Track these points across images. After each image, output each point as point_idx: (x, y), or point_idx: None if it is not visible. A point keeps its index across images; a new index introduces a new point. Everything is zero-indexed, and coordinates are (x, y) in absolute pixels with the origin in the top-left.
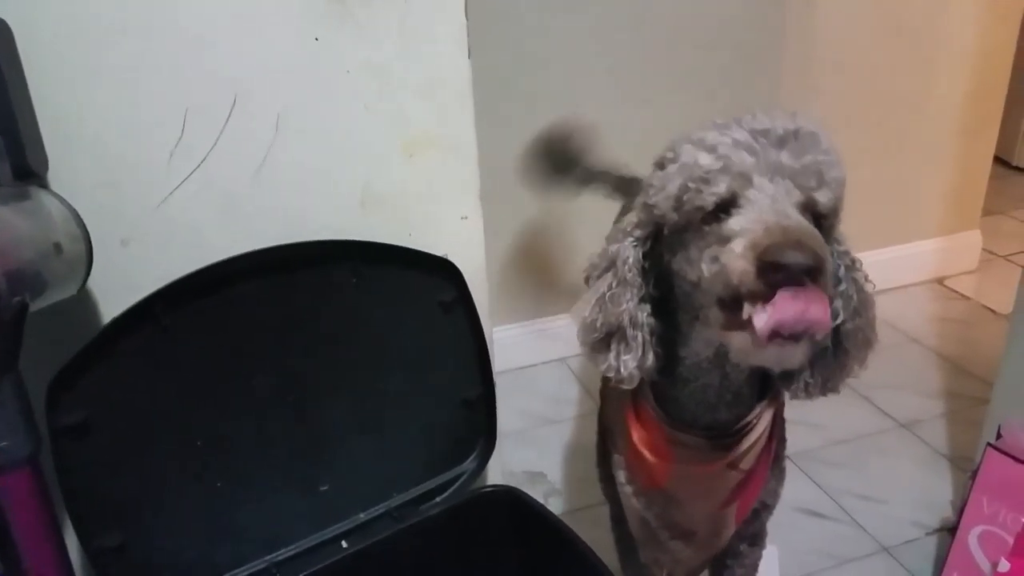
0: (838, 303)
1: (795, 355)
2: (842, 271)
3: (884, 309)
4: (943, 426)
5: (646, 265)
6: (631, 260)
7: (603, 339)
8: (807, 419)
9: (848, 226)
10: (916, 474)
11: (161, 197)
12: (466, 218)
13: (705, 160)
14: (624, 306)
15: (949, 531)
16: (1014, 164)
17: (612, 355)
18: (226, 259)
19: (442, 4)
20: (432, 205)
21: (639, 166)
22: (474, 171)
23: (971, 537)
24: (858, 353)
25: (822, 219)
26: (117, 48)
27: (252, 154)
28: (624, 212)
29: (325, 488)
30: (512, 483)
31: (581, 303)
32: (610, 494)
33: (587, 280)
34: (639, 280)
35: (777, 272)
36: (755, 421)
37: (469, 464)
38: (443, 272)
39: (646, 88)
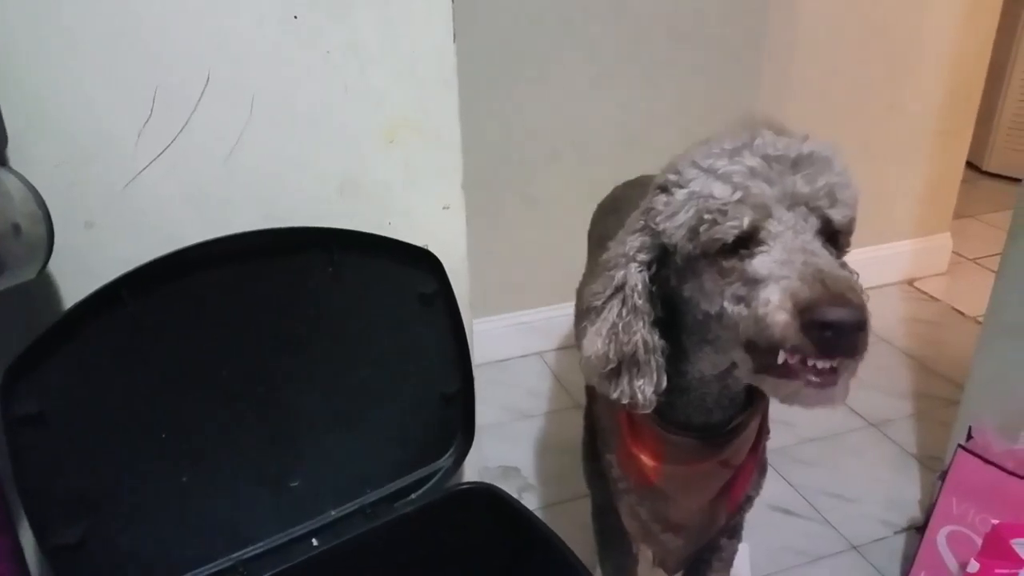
0: None
1: (837, 395)
2: None
3: None
4: (912, 426)
5: (652, 289)
6: (639, 286)
7: (617, 367)
8: (779, 417)
9: None
10: (885, 473)
11: (128, 178)
12: (448, 208)
13: (720, 191)
14: (638, 335)
15: (917, 530)
16: (984, 169)
17: (625, 381)
18: (197, 244)
19: None
20: (413, 193)
21: (615, 157)
22: (457, 159)
23: (940, 537)
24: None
25: (837, 236)
26: (84, 20)
27: (225, 136)
28: (600, 216)
29: (295, 484)
30: (486, 477)
31: (591, 335)
32: (597, 486)
33: (589, 310)
34: (648, 306)
35: (824, 330)
36: (747, 420)
37: (445, 461)
38: (424, 263)
39: (623, 79)
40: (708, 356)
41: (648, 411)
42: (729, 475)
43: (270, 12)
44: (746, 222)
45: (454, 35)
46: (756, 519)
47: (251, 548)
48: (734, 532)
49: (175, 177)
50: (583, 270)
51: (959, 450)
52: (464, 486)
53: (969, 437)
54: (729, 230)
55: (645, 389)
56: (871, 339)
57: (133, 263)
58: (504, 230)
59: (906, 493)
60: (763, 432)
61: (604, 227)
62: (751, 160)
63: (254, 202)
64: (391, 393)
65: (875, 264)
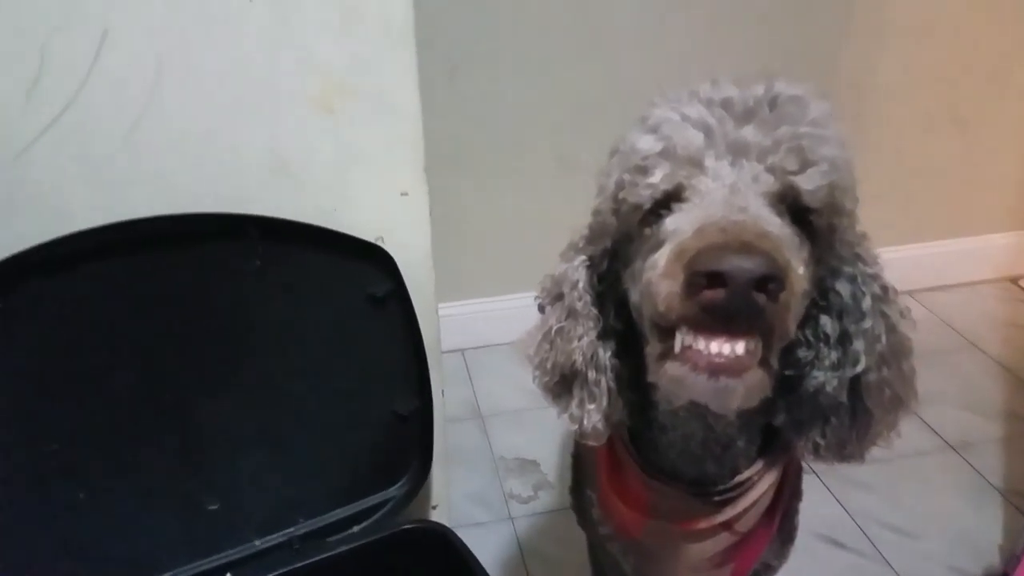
0: (859, 345)
1: (734, 390)
2: (867, 301)
3: (943, 307)
4: (998, 452)
5: (602, 290)
6: (581, 285)
7: (560, 382)
8: None
9: (908, 211)
10: (960, 507)
11: (18, 149)
12: (407, 195)
13: (645, 144)
14: (575, 343)
15: None
16: None
17: (575, 403)
18: (90, 229)
19: None
20: (362, 175)
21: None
22: (416, 134)
23: None
24: (884, 416)
25: (812, 217)
26: None
27: (128, 103)
28: None
29: (214, 507)
30: (502, 468)
31: (526, 337)
32: (583, 524)
33: (541, 309)
34: (593, 311)
35: (713, 286)
36: (756, 478)
37: (396, 491)
38: (375, 260)
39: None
40: None
41: (598, 443)
42: (734, 541)
43: None
44: (659, 175)
45: None
46: (798, 547)
47: None
48: None
49: (71, 149)
50: None
51: None
52: (413, 525)
53: None
54: (643, 190)
55: (592, 415)
56: (959, 344)
57: (21, 247)
58: (533, 199)
59: (983, 533)
60: (785, 494)
61: None
62: (691, 107)
63: (164, 182)
64: (333, 409)
65: (971, 257)
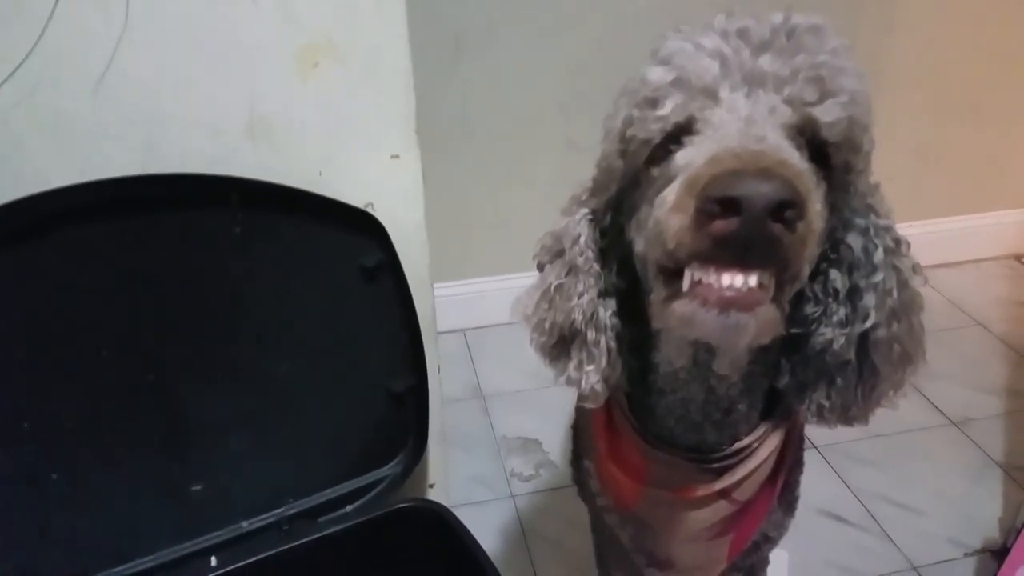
0: (869, 300)
1: (746, 324)
2: (879, 254)
3: (948, 285)
4: (1000, 428)
5: (604, 246)
6: (583, 240)
7: (558, 343)
8: None
9: (915, 189)
10: (961, 482)
11: None
12: (397, 158)
13: (656, 75)
14: (575, 301)
15: (993, 555)
16: None
17: (573, 365)
18: (57, 189)
19: None
20: (349, 138)
21: None
22: (407, 93)
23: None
24: (892, 374)
25: (830, 153)
26: None
27: (93, 54)
28: None
29: (198, 488)
30: (504, 448)
31: (523, 296)
32: (584, 497)
33: (540, 267)
34: (595, 267)
35: (726, 215)
36: (756, 445)
37: (391, 470)
38: (364, 228)
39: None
40: (671, 334)
41: (596, 404)
42: (732, 510)
43: None
44: (670, 106)
45: None
46: (800, 523)
47: (136, 563)
48: (752, 571)
49: (34, 104)
50: None
51: None
52: (407, 504)
53: None
54: (653, 124)
55: (591, 376)
56: (963, 321)
57: None
58: (538, 177)
59: (984, 508)
60: (786, 463)
61: None
62: (706, 37)
63: (135, 140)
64: (325, 388)
65: (977, 234)
